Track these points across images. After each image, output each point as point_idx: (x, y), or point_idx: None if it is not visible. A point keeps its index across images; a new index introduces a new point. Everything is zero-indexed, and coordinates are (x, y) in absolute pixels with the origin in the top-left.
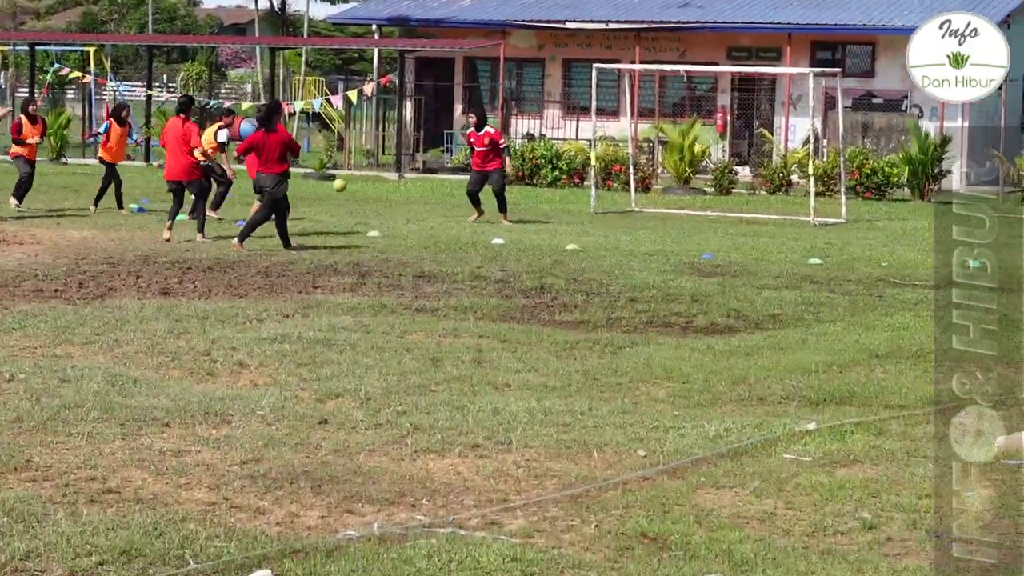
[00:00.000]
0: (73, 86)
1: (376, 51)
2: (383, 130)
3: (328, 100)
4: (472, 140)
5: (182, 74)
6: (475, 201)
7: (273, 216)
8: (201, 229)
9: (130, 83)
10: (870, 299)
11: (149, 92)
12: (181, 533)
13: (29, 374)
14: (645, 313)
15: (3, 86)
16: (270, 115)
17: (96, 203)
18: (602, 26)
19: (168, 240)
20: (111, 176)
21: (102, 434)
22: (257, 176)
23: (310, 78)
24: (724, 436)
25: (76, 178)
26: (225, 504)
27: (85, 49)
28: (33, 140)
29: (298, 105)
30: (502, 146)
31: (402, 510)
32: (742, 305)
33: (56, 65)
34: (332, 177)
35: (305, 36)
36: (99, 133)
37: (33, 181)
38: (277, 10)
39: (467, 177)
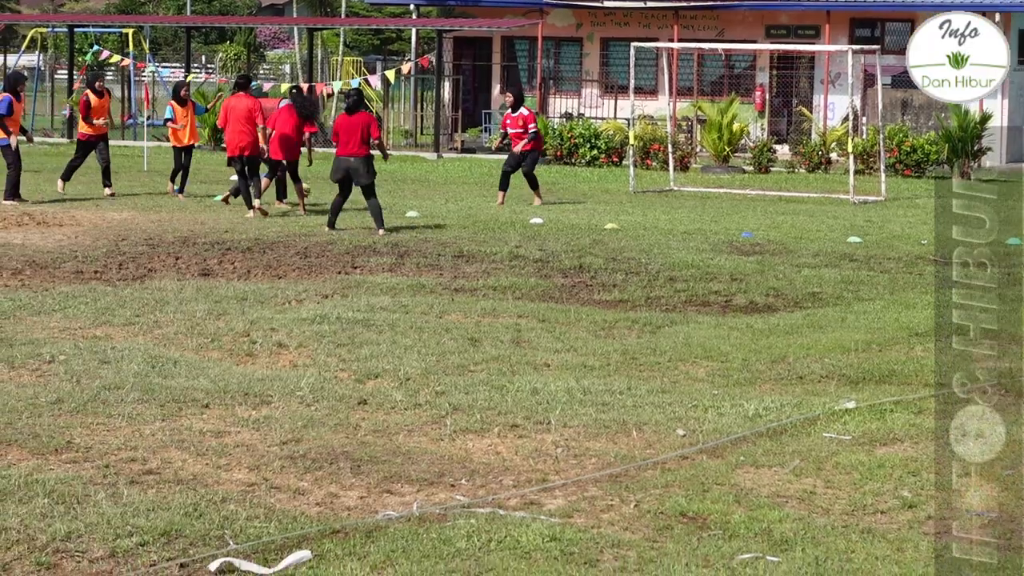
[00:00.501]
0: (112, 68)
1: (414, 31)
2: (421, 110)
3: (366, 80)
4: (507, 122)
5: (220, 55)
6: (505, 184)
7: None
8: (258, 197)
9: (169, 64)
10: (910, 277)
11: (188, 74)
12: (221, 514)
13: (69, 356)
14: (684, 292)
15: (42, 68)
16: (360, 100)
17: (176, 186)
18: (640, 4)
19: (263, 213)
20: (183, 158)
21: (142, 415)
22: (337, 159)
23: (348, 58)
24: (763, 415)
25: (116, 160)
26: (265, 485)
27: (124, 31)
28: (100, 122)
29: (336, 85)
30: (531, 131)
31: (441, 490)
32: (781, 284)
33: (95, 47)
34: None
35: (343, 16)
36: (166, 119)
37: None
38: None
39: (504, 157)
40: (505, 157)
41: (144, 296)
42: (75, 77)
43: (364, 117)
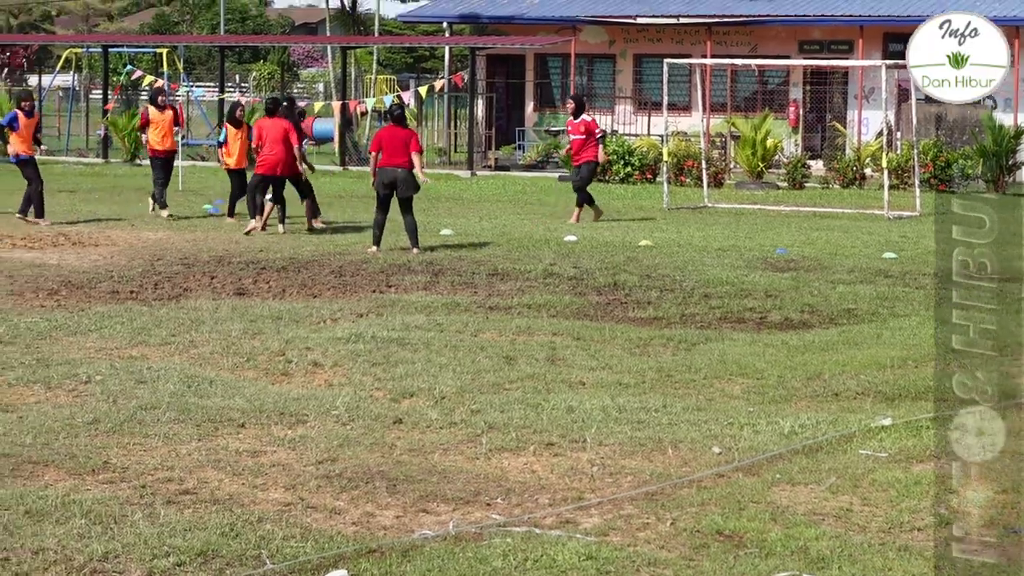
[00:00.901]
0: (146, 88)
1: (447, 49)
2: (455, 128)
3: (399, 97)
4: (568, 129)
5: (254, 74)
6: (587, 197)
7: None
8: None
9: (203, 84)
10: (945, 293)
11: (222, 93)
12: (258, 533)
13: (106, 376)
14: (719, 309)
15: (77, 88)
16: (403, 114)
17: (231, 212)
18: (673, 21)
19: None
20: (238, 182)
21: (179, 435)
22: (382, 171)
23: (381, 76)
24: (799, 432)
25: (149, 180)
26: (301, 504)
27: (158, 51)
28: (157, 135)
29: (370, 103)
30: (598, 135)
31: (477, 509)
32: (816, 300)
33: (129, 67)
34: None
35: (376, 35)
36: (219, 142)
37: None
38: (348, 9)
39: (538, 174)
40: (540, 174)
41: (180, 316)
42: (110, 97)
43: (408, 131)
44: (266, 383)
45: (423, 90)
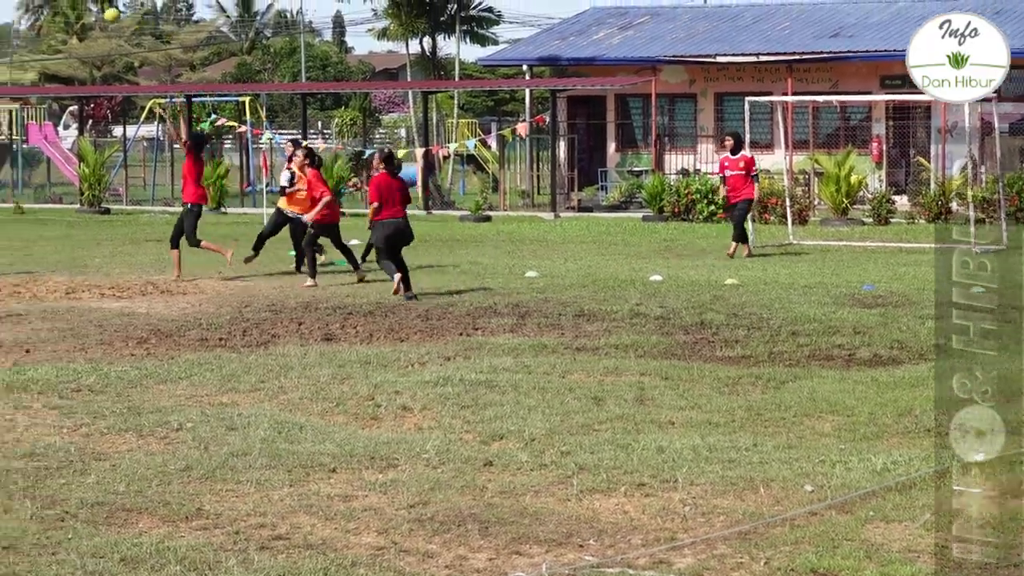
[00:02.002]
0: (230, 136)
1: (527, 91)
2: (537, 170)
3: (482, 141)
4: (726, 164)
5: (336, 120)
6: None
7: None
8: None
9: (285, 131)
10: None
11: (304, 140)
12: None
13: (197, 423)
14: (807, 346)
15: (161, 139)
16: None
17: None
18: (753, 59)
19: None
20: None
21: (270, 481)
22: (387, 222)
23: (463, 120)
24: (892, 469)
25: (235, 228)
26: (394, 548)
27: (240, 99)
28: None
29: (452, 147)
30: (753, 173)
31: (570, 550)
32: (905, 336)
33: (212, 116)
34: (488, 219)
35: (456, 79)
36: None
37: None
38: (428, 54)
39: (621, 215)
40: (621, 215)
41: (268, 362)
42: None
43: (400, 179)
44: (356, 428)
45: (507, 132)
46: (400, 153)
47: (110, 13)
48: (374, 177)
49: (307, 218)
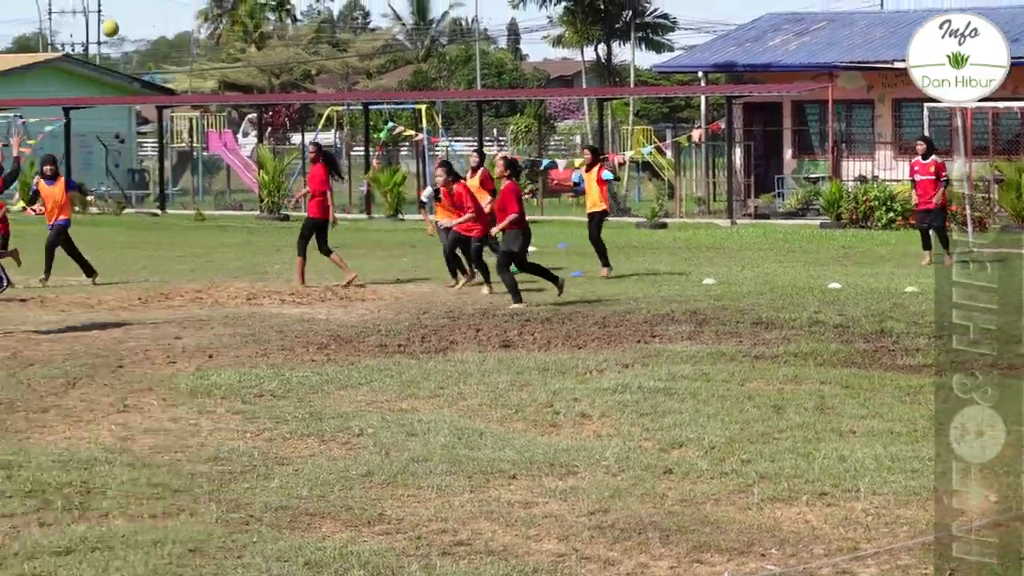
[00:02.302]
0: (406, 143)
1: (703, 98)
2: (713, 177)
3: (658, 147)
4: (916, 169)
5: (511, 127)
6: (927, 241)
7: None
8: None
9: (461, 139)
10: None
11: (480, 147)
12: None
13: (377, 428)
14: (989, 356)
15: (338, 146)
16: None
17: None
18: None
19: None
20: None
21: (451, 487)
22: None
23: (638, 127)
24: None
25: (412, 235)
26: (575, 555)
27: (417, 107)
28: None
29: (627, 154)
30: (943, 178)
31: (752, 559)
32: None
33: (389, 123)
34: (664, 226)
35: (632, 86)
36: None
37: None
38: (603, 61)
39: (798, 222)
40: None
41: (447, 368)
42: (371, 153)
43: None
44: (535, 434)
45: (682, 141)
46: (577, 163)
47: (108, 25)
48: (507, 185)
49: (453, 224)
